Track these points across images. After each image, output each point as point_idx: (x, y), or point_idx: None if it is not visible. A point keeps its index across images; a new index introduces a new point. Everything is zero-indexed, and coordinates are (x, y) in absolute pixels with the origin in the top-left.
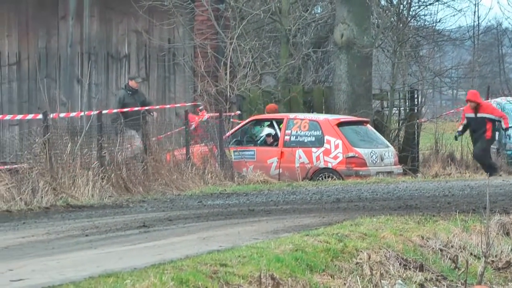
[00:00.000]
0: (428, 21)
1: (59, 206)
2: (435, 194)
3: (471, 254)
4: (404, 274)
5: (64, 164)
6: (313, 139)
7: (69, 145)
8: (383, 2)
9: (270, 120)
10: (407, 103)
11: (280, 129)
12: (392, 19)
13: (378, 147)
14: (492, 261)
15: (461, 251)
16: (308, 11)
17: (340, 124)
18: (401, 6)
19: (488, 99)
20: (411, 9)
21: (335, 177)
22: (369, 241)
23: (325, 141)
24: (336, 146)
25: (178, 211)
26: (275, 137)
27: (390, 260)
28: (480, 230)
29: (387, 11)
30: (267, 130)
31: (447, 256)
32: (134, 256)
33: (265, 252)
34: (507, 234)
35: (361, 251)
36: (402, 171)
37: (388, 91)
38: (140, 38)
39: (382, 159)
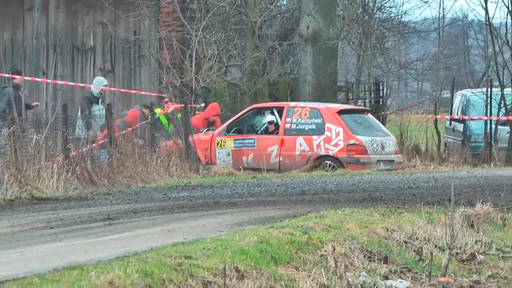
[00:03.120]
0: (393, 13)
1: (23, 198)
2: (400, 186)
3: (436, 246)
4: (369, 266)
5: (29, 156)
6: (314, 127)
7: (34, 137)
8: None
9: (271, 108)
10: (372, 95)
11: (280, 117)
12: (358, 11)
13: (379, 135)
14: (457, 253)
15: (425, 243)
16: (274, 3)
17: (341, 112)
18: None
19: (453, 91)
20: (377, 1)
21: (335, 165)
22: (334, 233)
23: (326, 128)
24: (337, 134)
25: (143, 204)
26: (276, 125)
27: (355, 252)
28: (444, 222)
29: (353, 3)
30: (269, 118)
31: (411, 248)
32: (99, 249)
33: (229, 244)
34: (472, 226)
35: (325, 243)
36: (402, 160)
37: (354, 83)
38: (106, 30)
39: (383, 148)
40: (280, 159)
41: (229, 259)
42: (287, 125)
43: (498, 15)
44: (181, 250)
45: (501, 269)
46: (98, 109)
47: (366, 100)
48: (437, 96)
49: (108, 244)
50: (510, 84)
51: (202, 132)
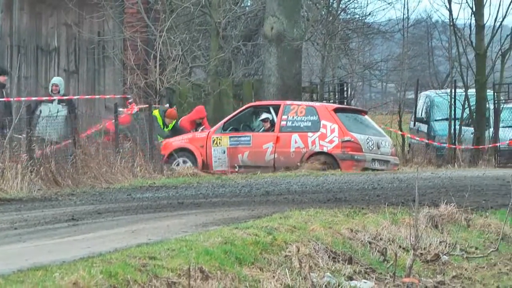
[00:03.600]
0: (358, 14)
1: None
2: (364, 187)
3: (400, 246)
4: (333, 267)
5: None
6: (309, 124)
7: None
8: None
9: (267, 106)
10: (336, 96)
11: (277, 115)
12: (322, 12)
13: (375, 135)
14: (421, 253)
15: (390, 244)
16: (238, 4)
17: (337, 110)
18: None
19: (417, 92)
20: (341, 2)
21: (329, 162)
22: (298, 234)
23: (321, 125)
24: (332, 131)
25: (107, 204)
26: (272, 123)
27: (319, 253)
28: (409, 223)
29: (317, 4)
30: (264, 115)
31: (376, 249)
32: (63, 249)
33: (194, 245)
34: (436, 226)
35: (290, 244)
36: (398, 162)
37: (318, 84)
38: (70, 31)
39: (378, 147)
40: (275, 156)
41: (194, 259)
42: (283, 123)
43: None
44: (146, 251)
45: (465, 269)
46: (49, 109)
47: (330, 101)
48: (401, 97)
49: (73, 245)
50: (474, 85)
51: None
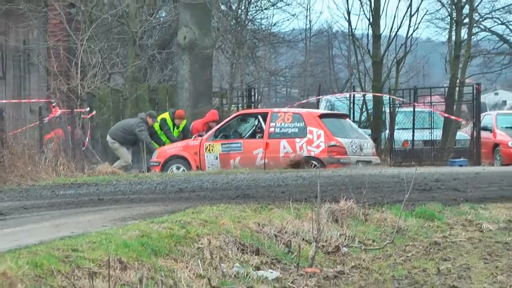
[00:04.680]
0: (264, 25)
1: None
2: (270, 184)
3: (303, 239)
4: (242, 258)
5: None
6: (297, 130)
7: None
8: (223, 7)
9: (255, 114)
10: (245, 100)
11: (264, 122)
12: (231, 22)
13: (357, 137)
14: (323, 245)
15: (294, 237)
16: (154, 15)
17: (322, 116)
18: (240, 10)
19: (319, 96)
20: (249, 13)
21: (317, 164)
22: (210, 228)
23: (307, 131)
24: (318, 136)
25: (32, 201)
26: (260, 130)
27: (229, 245)
28: (311, 217)
29: (226, 15)
30: (254, 122)
31: (281, 241)
32: None
33: (113, 238)
34: (336, 221)
35: (202, 237)
36: (379, 161)
37: (228, 89)
38: None
39: (361, 149)
40: (266, 161)
41: (113, 251)
42: (271, 129)
43: (360, 27)
44: (69, 243)
45: (363, 260)
46: None
47: (239, 105)
48: (304, 101)
49: (1, 238)
50: (371, 90)
51: (202, 135)
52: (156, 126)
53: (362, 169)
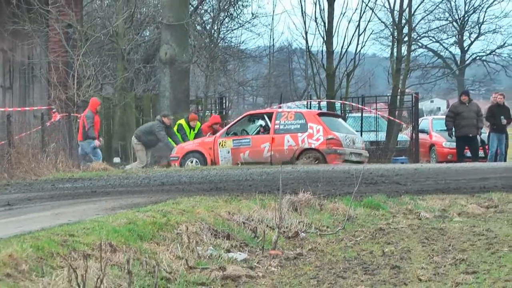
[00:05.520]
0: (234, 42)
1: None
2: (239, 179)
3: (268, 226)
4: (215, 242)
5: None
6: (298, 126)
7: None
8: (199, 27)
9: (262, 114)
10: (217, 107)
11: (270, 121)
12: (205, 40)
13: (350, 133)
14: (284, 231)
15: (259, 224)
16: (139, 34)
17: (320, 115)
18: (213, 30)
19: (281, 103)
20: (221, 33)
21: (317, 156)
22: (187, 216)
23: (308, 127)
24: (318, 131)
25: (35, 193)
26: (266, 128)
27: (204, 231)
28: (274, 207)
29: (202, 35)
30: (260, 122)
31: (248, 228)
32: (0, 229)
33: (105, 225)
34: (296, 210)
35: (180, 224)
36: (368, 155)
37: (202, 97)
38: (6, 56)
39: (353, 143)
40: (272, 154)
41: (104, 236)
42: (276, 126)
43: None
44: (66, 230)
45: (319, 244)
46: None
47: (212, 111)
48: (268, 108)
49: (8, 225)
50: (325, 98)
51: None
52: (175, 128)
53: (317, 166)
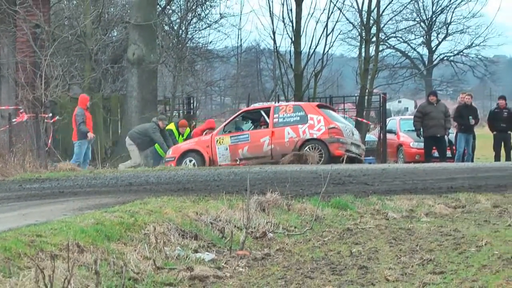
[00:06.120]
0: (201, 43)
1: None
2: (207, 179)
3: (235, 226)
4: (183, 242)
5: None
6: (298, 118)
7: None
8: (166, 27)
9: (258, 110)
10: (185, 107)
11: (267, 116)
12: (173, 41)
13: (348, 125)
14: (252, 231)
15: (227, 224)
16: (107, 34)
17: (319, 106)
18: (181, 30)
19: (248, 103)
20: (188, 33)
21: (319, 146)
22: (155, 216)
23: (308, 118)
24: (319, 121)
25: (2, 193)
26: (264, 123)
27: (171, 231)
28: (242, 207)
29: (169, 35)
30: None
31: (216, 228)
32: None
33: (72, 225)
34: (263, 210)
35: (148, 224)
36: (364, 148)
37: (170, 97)
38: None
39: (353, 134)
40: (272, 147)
41: (72, 236)
42: (275, 120)
43: (284, 44)
44: (34, 230)
45: (286, 244)
46: None
47: (180, 112)
48: (236, 108)
49: None
50: (293, 98)
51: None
52: (175, 131)
53: (285, 167)
